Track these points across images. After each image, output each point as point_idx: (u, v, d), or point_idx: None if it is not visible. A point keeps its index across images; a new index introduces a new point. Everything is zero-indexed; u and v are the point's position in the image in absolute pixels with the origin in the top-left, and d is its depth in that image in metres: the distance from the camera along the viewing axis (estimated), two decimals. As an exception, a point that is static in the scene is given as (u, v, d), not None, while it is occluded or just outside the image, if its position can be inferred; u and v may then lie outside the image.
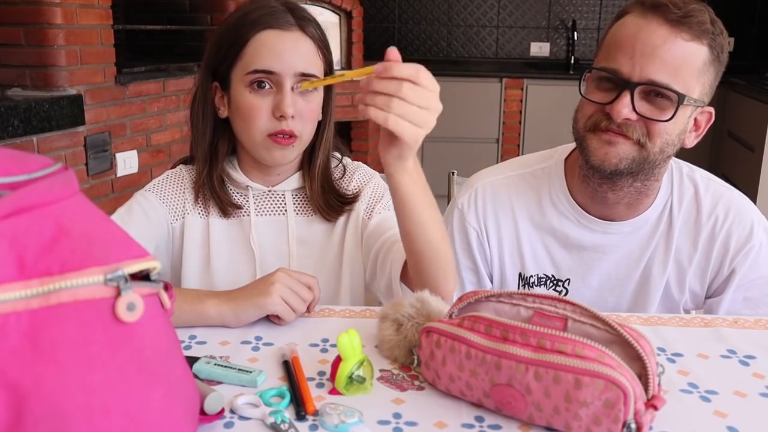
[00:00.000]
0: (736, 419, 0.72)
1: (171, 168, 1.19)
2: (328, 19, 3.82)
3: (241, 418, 0.71)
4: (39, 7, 2.24)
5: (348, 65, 3.88)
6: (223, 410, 0.71)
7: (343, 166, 1.20)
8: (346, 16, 3.87)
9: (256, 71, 1.02)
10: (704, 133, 1.08)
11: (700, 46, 0.99)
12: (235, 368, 0.79)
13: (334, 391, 0.76)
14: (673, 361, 0.85)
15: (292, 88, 1.03)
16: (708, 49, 0.99)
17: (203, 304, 0.92)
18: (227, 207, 1.11)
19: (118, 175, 2.62)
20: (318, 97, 1.08)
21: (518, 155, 1.37)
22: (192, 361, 0.80)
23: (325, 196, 1.14)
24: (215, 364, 0.80)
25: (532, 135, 4.10)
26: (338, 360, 0.75)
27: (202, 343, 0.89)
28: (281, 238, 1.14)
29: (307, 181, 1.14)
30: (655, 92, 0.99)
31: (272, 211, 1.14)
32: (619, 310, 1.16)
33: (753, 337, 0.92)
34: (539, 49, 4.60)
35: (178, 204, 1.13)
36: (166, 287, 0.59)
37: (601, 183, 1.07)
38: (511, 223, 1.18)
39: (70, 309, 0.51)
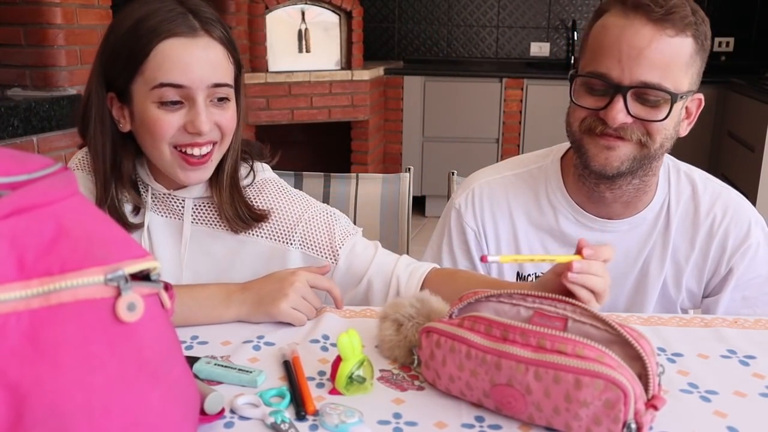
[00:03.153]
0: (736, 419, 0.72)
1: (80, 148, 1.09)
2: (328, 19, 3.81)
3: (241, 418, 0.71)
4: (39, 7, 2.24)
5: (348, 65, 3.87)
6: (223, 410, 0.71)
7: (253, 173, 1.11)
8: (346, 16, 3.87)
9: (162, 85, 0.93)
10: (696, 119, 1.08)
11: (685, 39, 0.99)
12: (235, 368, 0.79)
13: (334, 391, 0.76)
14: (673, 361, 0.85)
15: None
16: (692, 40, 0.99)
17: (217, 312, 0.94)
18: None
19: (118, 175, 2.61)
20: (233, 105, 1.00)
21: (518, 155, 1.37)
22: (192, 361, 0.80)
23: (234, 206, 1.05)
24: (215, 364, 0.80)
25: (532, 135, 4.10)
26: (338, 360, 0.75)
27: (204, 343, 0.89)
28: (175, 241, 1.07)
29: (215, 190, 1.05)
30: (647, 93, 0.99)
31: (169, 213, 1.07)
32: (617, 309, 1.16)
33: (753, 337, 0.92)
34: (539, 49, 4.59)
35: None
36: (166, 287, 0.59)
37: (599, 183, 1.07)
38: (509, 222, 1.19)
39: (71, 309, 0.51)
